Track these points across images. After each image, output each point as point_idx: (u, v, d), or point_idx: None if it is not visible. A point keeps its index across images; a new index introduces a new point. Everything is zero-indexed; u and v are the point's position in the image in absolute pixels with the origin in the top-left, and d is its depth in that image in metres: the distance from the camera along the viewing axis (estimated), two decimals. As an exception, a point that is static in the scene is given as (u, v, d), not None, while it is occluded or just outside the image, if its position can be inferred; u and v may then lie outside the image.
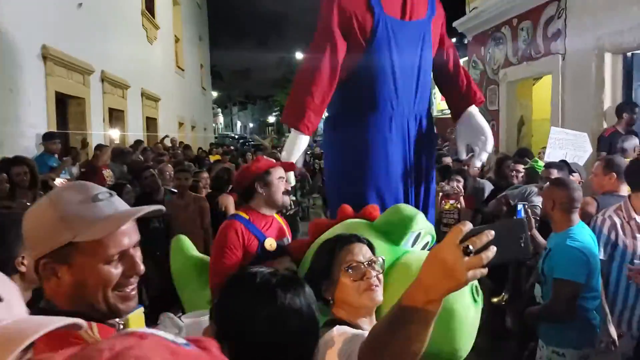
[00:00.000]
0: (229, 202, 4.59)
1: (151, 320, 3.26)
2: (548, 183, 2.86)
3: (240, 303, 1.10)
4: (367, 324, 1.44)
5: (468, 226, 0.89)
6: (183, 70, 16.92)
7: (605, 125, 5.56)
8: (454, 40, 11.96)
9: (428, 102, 2.83)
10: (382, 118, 2.58)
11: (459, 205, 4.35)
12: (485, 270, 0.87)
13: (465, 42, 9.67)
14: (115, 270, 1.06)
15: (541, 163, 4.51)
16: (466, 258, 0.86)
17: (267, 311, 1.07)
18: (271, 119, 49.99)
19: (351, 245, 1.51)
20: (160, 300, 4.63)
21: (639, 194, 2.59)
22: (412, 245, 2.07)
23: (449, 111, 11.39)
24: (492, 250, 0.86)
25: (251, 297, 1.10)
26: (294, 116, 2.55)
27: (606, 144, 5.19)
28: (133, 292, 1.12)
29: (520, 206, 3.23)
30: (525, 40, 7.10)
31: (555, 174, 3.72)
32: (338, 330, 1.33)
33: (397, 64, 2.53)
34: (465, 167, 4.90)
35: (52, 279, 1.03)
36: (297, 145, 2.58)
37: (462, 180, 4.34)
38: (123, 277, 1.08)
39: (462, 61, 10.81)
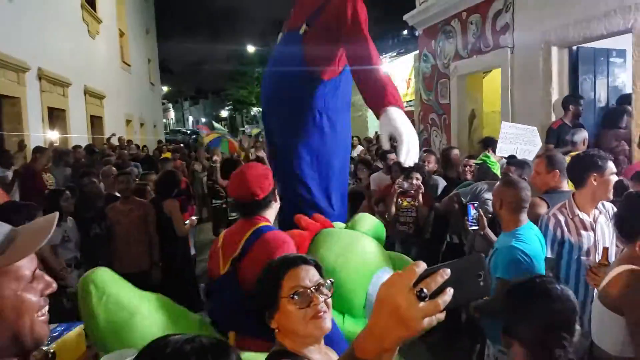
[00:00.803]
0: (174, 207, 4.40)
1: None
2: (498, 183, 2.85)
3: None
4: (316, 353, 1.35)
5: (422, 267, 0.78)
6: (129, 65, 16.27)
7: (553, 118, 5.68)
8: (404, 32, 12.10)
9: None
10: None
11: (416, 203, 4.28)
12: (442, 316, 0.77)
13: (416, 35, 9.70)
14: (35, 293, 0.97)
15: (493, 158, 4.54)
16: (421, 304, 0.75)
17: None
18: (224, 113, 49.11)
19: (297, 269, 1.39)
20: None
21: (582, 190, 2.62)
22: None
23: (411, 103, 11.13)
24: (449, 293, 0.76)
25: None
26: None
27: (554, 136, 5.30)
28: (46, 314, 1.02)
29: (470, 207, 3.20)
30: (474, 34, 7.16)
31: (512, 171, 3.73)
32: None
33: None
34: (423, 163, 4.88)
35: None
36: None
37: (420, 177, 4.27)
38: (42, 299, 0.99)
39: (412, 55, 10.85)
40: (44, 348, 2.01)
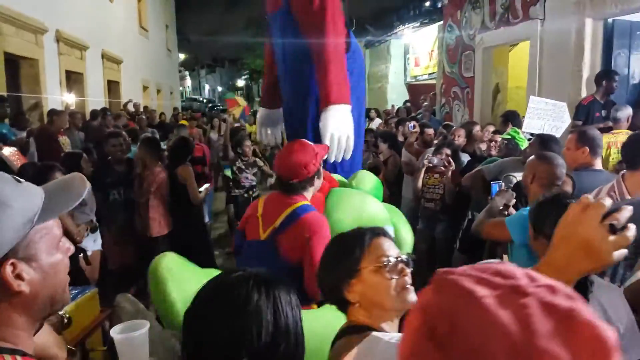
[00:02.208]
0: (188, 174, 4.33)
1: (108, 299, 3.05)
2: (532, 157, 2.72)
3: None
4: (392, 328, 1.28)
5: (608, 202, 0.84)
6: (147, 30, 16.09)
7: (583, 94, 5.45)
8: (427, 4, 11.72)
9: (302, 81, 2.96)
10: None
11: (444, 180, 4.12)
12: (625, 251, 0.83)
13: (440, 5, 9.39)
14: (65, 253, 0.93)
15: (521, 134, 4.37)
16: (612, 237, 0.82)
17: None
18: (240, 82, 48.78)
19: (380, 239, 1.34)
20: (120, 275, 4.41)
21: (636, 172, 2.43)
22: None
23: (422, 77, 11.27)
24: (633, 227, 0.83)
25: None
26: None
27: (584, 112, 5.10)
28: None
29: (495, 186, 3.08)
30: (503, 4, 6.88)
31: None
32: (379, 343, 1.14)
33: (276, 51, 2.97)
34: (453, 137, 4.73)
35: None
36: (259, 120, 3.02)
37: (450, 152, 4.09)
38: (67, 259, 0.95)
39: (437, 25, 10.57)
40: (60, 313, 1.99)
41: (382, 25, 13.66)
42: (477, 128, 5.00)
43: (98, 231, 4.37)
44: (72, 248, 0.97)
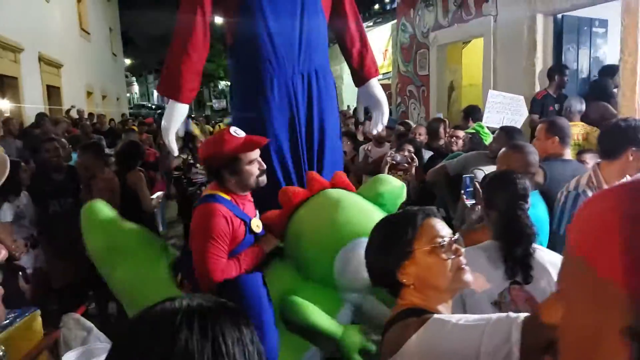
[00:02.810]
0: (139, 179, 4.03)
1: (52, 321, 2.74)
2: (504, 148, 2.66)
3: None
4: (447, 310, 1.26)
5: None
6: (89, 33, 15.38)
7: (537, 89, 5.52)
8: (382, 1, 11.76)
9: (321, 60, 2.76)
10: (263, 80, 2.58)
11: (408, 177, 4.02)
12: None
13: (393, 6, 9.40)
14: None
15: (486, 129, 4.34)
16: None
17: None
18: (190, 87, 47.72)
19: (432, 219, 1.29)
20: (65, 293, 4.05)
21: (612, 162, 2.38)
22: None
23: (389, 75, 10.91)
24: None
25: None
26: (171, 86, 2.55)
27: (538, 106, 5.17)
28: None
29: (467, 179, 2.99)
30: (456, 2, 6.91)
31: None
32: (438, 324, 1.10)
33: (272, 28, 2.54)
34: (414, 135, 4.65)
35: None
36: (176, 117, 2.57)
37: (412, 149, 4.00)
38: None
39: (390, 24, 10.60)
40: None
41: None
42: (443, 126, 4.94)
43: (40, 246, 4.01)
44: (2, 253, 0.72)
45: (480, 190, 2.96)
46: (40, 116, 7.37)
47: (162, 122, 2.63)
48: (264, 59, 2.56)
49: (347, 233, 2.10)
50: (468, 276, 1.24)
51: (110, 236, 2.45)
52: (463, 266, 1.24)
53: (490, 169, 3.59)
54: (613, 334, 0.47)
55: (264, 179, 2.23)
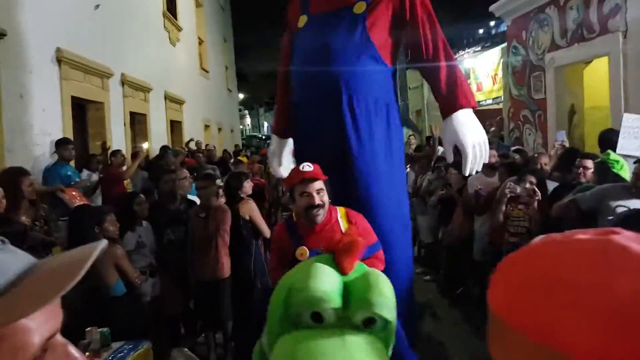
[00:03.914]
0: (252, 208, 4.10)
1: (166, 349, 2.81)
2: None
3: None
4: None
5: None
6: (207, 72, 16.62)
7: (679, 110, 4.84)
8: (492, 23, 11.29)
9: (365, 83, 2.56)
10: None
11: (530, 211, 3.66)
12: None
13: (503, 26, 8.97)
14: None
15: (614, 156, 3.86)
16: None
17: None
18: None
19: None
20: (177, 323, 4.20)
21: None
22: None
23: (486, 102, 10.72)
24: None
25: None
26: (274, 120, 2.96)
27: (681, 131, 4.50)
28: None
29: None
30: (575, 20, 6.40)
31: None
32: None
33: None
34: (537, 165, 4.28)
35: None
36: (273, 147, 3.15)
37: (535, 180, 3.65)
38: None
39: (500, 48, 10.07)
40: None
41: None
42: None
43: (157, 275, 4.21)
44: None
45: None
46: (163, 149, 7.97)
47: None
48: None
49: None
50: None
51: None
52: None
53: (634, 204, 3.14)
54: None
55: (315, 213, 2.28)
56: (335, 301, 1.26)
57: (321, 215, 2.32)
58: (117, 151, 6.28)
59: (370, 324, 1.28)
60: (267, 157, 8.85)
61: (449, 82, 2.59)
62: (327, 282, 1.29)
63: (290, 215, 2.51)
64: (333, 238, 2.06)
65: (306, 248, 2.30)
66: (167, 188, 4.40)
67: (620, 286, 0.41)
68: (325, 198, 2.32)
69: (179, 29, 12.59)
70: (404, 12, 2.54)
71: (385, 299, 1.29)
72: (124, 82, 8.22)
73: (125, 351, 2.52)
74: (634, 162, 3.33)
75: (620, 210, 3.16)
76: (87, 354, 2.47)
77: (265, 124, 56.53)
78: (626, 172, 3.68)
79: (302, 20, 2.60)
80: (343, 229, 2.27)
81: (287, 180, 2.45)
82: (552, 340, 0.42)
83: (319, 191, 2.29)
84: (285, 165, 3.33)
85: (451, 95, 2.58)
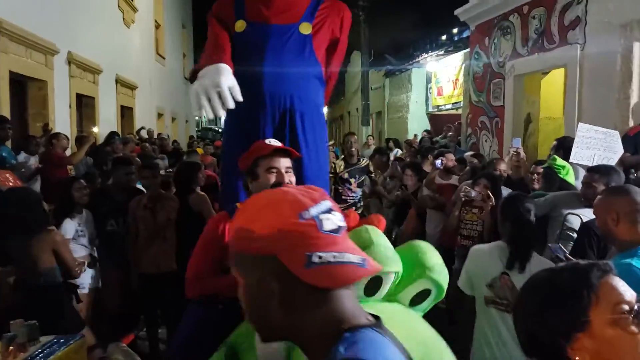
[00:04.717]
0: (204, 201, 3.87)
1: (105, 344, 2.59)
2: (603, 194, 2.26)
3: None
4: None
5: None
6: (164, 58, 16.04)
7: (631, 124, 4.97)
8: (455, 30, 11.43)
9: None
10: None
11: (483, 216, 3.63)
12: None
13: (465, 34, 9.06)
14: None
15: (560, 162, 3.90)
16: None
17: None
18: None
19: (612, 278, 1.00)
20: (117, 317, 3.93)
21: None
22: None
23: (445, 107, 10.88)
24: None
25: None
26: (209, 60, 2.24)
27: (631, 144, 4.62)
28: None
29: (557, 250, 2.74)
30: (537, 30, 6.49)
31: (597, 180, 3.11)
32: None
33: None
34: (495, 170, 4.29)
35: None
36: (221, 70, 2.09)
37: (489, 184, 3.61)
38: None
39: (462, 53, 10.24)
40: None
41: (403, 55, 13.37)
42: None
43: (97, 266, 3.94)
44: None
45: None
46: (111, 135, 7.55)
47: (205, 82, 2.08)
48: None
49: None
50: None
51: None
52: None
53: (584, 212, 3.19)
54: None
55: None
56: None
57: None
58: (59, 134, 5.84)
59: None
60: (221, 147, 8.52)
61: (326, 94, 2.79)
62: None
63: (235, 207, 2.05)
64: None
65: None
66: (121, 179, 4.09)
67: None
68: (294, 179, 2.04)
69: (135, 10, 12.03)
70: (339, 33, 2.65)
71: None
72: (70, 60, 7.71)
73: (55, 346, 2.30)
74: (587, 171, 3.38)
75: (571, 218, 3.24)
76: (10, 348, 2.26)
77: (222, 118, 55.52)
78: (572, 176, 3.76)
79: (241, 25, 2.50)
80: None
81: (250, 153, 2.02)
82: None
83: (287, 170, 2.01)
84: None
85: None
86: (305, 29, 2.50)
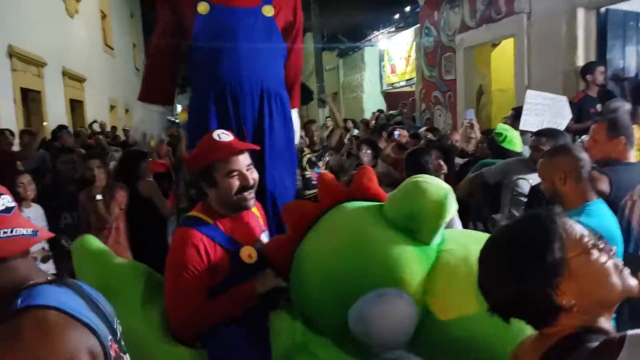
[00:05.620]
0: (152, 187, 3.82)
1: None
2: (546, 155, 2.31)
3: None
4: (607, 324, 1.01)
5: None
6: (112, 49, 15.50)
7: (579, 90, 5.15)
8: (407, 9, 11.48)
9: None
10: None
11: None
12: None
13: (417, 8, 9.11)
14: None
15: (499, 129, 3.94)
16: None
17: None
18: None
19: (566, 217, 1.04)
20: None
21: None
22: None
23: (399, 84, 10.95)
24: None
25: None
26: None
27: (575, 110, 4.75)
28: None
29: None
30: (483, 1, 6.60)
31: (544, 142, 3.20)
32: None
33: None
34: (449, 141, 4.35)
35: None
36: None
37: (440, 155, 3.64)
38: None
39: (413, 29, 10.29)
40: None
41: (355, 34, 13.36)
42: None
43: (51, 261, 3.83)
44: None
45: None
46: (59, 128, 7.29)
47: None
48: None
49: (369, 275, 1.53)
50: (632, 279, 1.00)
51: (102, 274, 1.96)
52: (622, 267, 0.99)
53: (533, 177, 3.27)
54: None
55: (248, 197, 1.81)
56: None
57: (254, 198, 1.86)
58: (3, 131, 5.61)
59: None
60: (177, 139, 8.33)
61: (295, 85, 2.87)
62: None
63: (187, 217, 1.88)
64: (250, 224, 1.90)
65: (250, 247, 1.81)
66: (64, 169, 3.97)
67: None
68: (256, 175, 1.85)
69: (77, 0, 11.53)
70: (293, 13, 2.71)
71: None
72: (11, 54, 7.35)
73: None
74: (531, 136, 3.44)
75: (521, 182, 3.30)
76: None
77: (179, 107, 54.51)
78: (515, 144, 3.74)
79: (204, 7, 2.43)
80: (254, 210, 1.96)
81: (202, 153, 1.83)
82: None
83: (248, 167, 1.82)
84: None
85: (296, 96, 2.89)
86: (268, 11, 2.51)
